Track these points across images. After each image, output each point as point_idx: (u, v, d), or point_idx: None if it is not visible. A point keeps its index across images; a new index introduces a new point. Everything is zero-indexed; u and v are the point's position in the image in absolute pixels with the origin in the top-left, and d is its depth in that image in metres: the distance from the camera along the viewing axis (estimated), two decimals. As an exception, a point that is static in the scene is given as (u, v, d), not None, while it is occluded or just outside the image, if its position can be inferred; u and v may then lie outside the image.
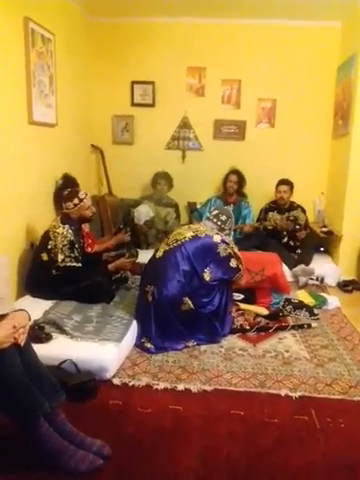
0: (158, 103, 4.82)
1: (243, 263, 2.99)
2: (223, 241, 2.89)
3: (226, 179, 4.59)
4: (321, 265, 4.14)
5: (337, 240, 4.30)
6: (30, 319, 1.82)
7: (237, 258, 2.94)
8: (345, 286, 3.99)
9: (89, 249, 3.42)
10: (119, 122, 4.91)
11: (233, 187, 4.56)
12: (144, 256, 3.52)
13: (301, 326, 3.10)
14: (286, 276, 3.56)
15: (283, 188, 4.35)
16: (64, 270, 2.93)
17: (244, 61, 4.66)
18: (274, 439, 1.93)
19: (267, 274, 3.26)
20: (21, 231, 3.26)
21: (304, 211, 4.43)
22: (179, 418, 2.06)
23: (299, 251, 4.25)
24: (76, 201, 3.04)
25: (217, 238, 2.88)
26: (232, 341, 2.89)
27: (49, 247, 2.94)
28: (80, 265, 3.02)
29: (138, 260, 3.73)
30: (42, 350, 1.98)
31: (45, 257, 2.96)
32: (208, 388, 2.32)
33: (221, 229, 3.03)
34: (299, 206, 4.45)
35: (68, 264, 2.94)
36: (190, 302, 2.76)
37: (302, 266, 4.00)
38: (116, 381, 2.35)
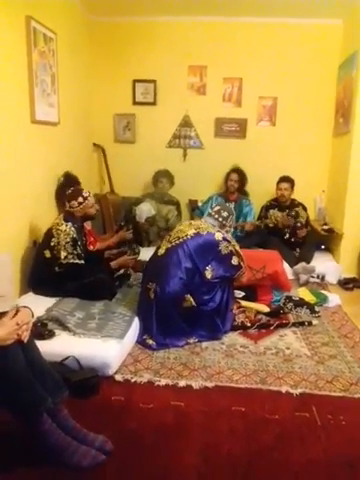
0: (159, 101, 4.83)
1: (244, 261, 3.00)
2: (225, 239, 2.90)
3: (227, 177, 4.60)
4: (322, 263, 4.15)
5: (338, 238, 4.30)
6: (33, 316, 1.83)
7: (238, 256, 2.95)
8: (346, 284, 3.99)
9: (91, 247, 3.44)
10: (121, 121, 4.92)
11: (234, 186, 4.57)
12: (146, 253, 3.53)
13: (302, 323, 3.11)
14: (287, 274, 3.57)
15: (284, 185, 4.36)
16: (67, 267, 2.95)
17: (245, 59, 4.66)
18: (275, 436, 1.94)
19: (268, 272, 3.28)
20: (24, 229, 3.28)
21: (305, 209, 4.44)
22: (180, 414, 2.08)
23: (300, 249, 4.26)
24: (80, 200, 3.06)
25: (219, 236, 2.88)
26: (233, 338, 2.90)
27: (52, 244, 2.95)
28: (83, 262, 3.04)
29: (140, 257, 3.75)
30: (45, 347, 2.00)
31: (48, 254, 2.97)
32: (209, 385, 2.33)
33: (222, 225, 3.03)
34: (300, 204, 4.45)
35: (71, 261, 2.96)
36: (192, 299, 2.78)
37: (303, 264, 4.01)
38: (118, 377, 2.36)
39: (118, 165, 4.87)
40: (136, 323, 2.81)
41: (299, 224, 4.25)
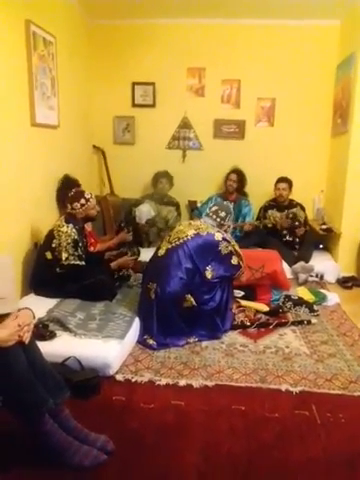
0: (158, 103, 4.85)
1: (244, 260, 3.02)
2: (224, 239, 2.91)
3: (227, 178, 4.63)
4: (321, 262, 4.17)
5: (336, 237, 4.32)
6: (34, 317, 1.85)
7: (238, 255, 2.96)
8: (344, 282, 4.01)
9: (92, 248, 3.46)
10: (120, 123, 4.94)
11: (233, 186, 4.59)
12: (146, 254, 3.56)
13: (301, 322, 3.12)
14: (286, 273, 3.58)
15: (282, 185, 4.38)
16: (68, 268, 2.96)
17: (243, 61, 4.68)
18: (275, 434, 1.95)
19: (267, 271, 3.30)
20: (25, 231, 3.30)
21: (303, 209, 4.46)
22: (181, 413, 2.09)
23: (299, 248, 4.28)
24: (83, 201, 3.08)
25: (218, 236, 2.90)
26: (233, 337, 2.91)
27: (53, 246, 2.97)
28: (83, 263, 3.05)
29: (140, 258, 3.77)
30: (46, 347, 2.01)
31: (49, 255, 2.99)
32: (209, 384, 2.34)
33: (220, 225, 3.04)
34: (298, 204, 4.47)
35: (72, 262, 2.97)
36: (192, 299, 2.79)
37: (302, 263, 4.03)
38: (119, 377, 2.38)
39: (118, 167, 4.89)
40: (136, 323, 2.82)
41: (297, 223, 4.27)
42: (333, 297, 3.60)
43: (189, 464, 1.77)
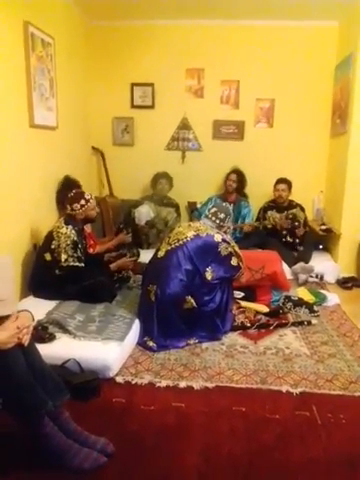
0: (158, 105, 4.85)
1: (243, 261, 3.01)
2: (224, 240, 2.91)
3: (226, 178, 4.64)
4: (320, 262, 4.17)
5: (336, 238, 4.32)
6: (33, 319, 1.84)
7: (238, 256, 2.96)
8: (344, 283, 4.01)
9: (91, 250, 3.45)
10: (119, 124, 4.94)
11: (232, 186, 4.59)
12: (145, 256, 3.55)
13: (301, 323, 3.12)
14: (286, 274, 3.58)
15: (281, 187, 4.38)
16: (67, 270, 2.96)
17: (242, 62, 4.68)
18: (275, 435, 1.95)
19: (267, 272, 3.29)
20: (24, 233, 3.30)
21: (303, 209, 4.45)
22: (181, 415, 2.09)
23: (299, 248, 4.28)
24: (83, 202, 3.07)
25: (218, 237, 2.89)
26: (233, 338, 2.91)
27: (52, 247, 2.97)
28: (83, 265, 3.05)
29: (139, 260, 3.76)
30: (46, 350, 2.01)
31: (48, 257, 2.99)
32: (210, 385, 2.34)
33: (220, 227, 3.04)
34: (298, 205, 4.47)
35: (71, 264, 2.97)
36: (192, 301, 2.79)
37: (302, 264, 4.03)
38: (119, 379, 2.37)
39: (117, 168, 4.88)
40: (136, 325, 2.82)
41: (297, 223, 4.27)
42: (333, 298, 3.60)
43: (190, 466, 1.76)
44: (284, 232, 4.33)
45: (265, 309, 3.25)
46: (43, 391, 1.70)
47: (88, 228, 3.62)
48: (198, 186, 4.90)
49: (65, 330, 2.56)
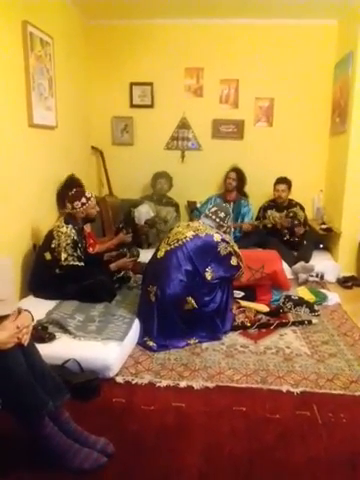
0: (157, 104, 4.84)
1: (243, 261, 3.01)
2: (223, 240, 2.91)
3: (226, 176, 4.63)
4: (321, 262, 4.17)
5: (336, 237, 4.32)
6: (33, 319, 1.84)
7: (237, 256, 2.96)
8: (345, 282, 4.01)
9: (91, 249, 3.45)
10: (118, 123, 4.93)
11: (232, 184, 4.58)
12: (145, 255, 3.54)
13: (301, 322, 3.12)
14: (286, 273, 3.58)
15: (281, 187, 4.38)
16: (67, 269, 2.96)
17: (241, 61, 4.68)
18: (276, 435, 1.95)
19: (267, 271, 3.29)
20: (24, 233, 3.29)
21: (303, 209, 4.45)
22: (182, 415, 2.08)
23: (298, 248, 4.27)
24: (83, 200, 3.07)
25: (217, 237, 2.89)
26: (233, 338, 2.91)
27: (52, 246, 2.97)
28: (83, 264, 3.04)
29: (139, 259, 3.76)
30: (46, 350, 2.01)
31: (48, 256, 2.98)
32: (210, 385, 2.34)
33: (219, 226, 3.04)
34: (298, 204, 4.47)
35: (71, 263, 2.97)
36: (193, 301, 2.78)
37: (302, 263, 4.02)
38: (119, 379, 2.37)
39: (116, 168, 4.88)
40: (136, 325, 2.81)
41: (297, 222, 4.26)
42: (333, 297, 3.59)
43: (190, 466, 1.76)
44: (284, 231, 4.32)
45: (265, 309, 3.25)
46: (43, 391, 1.70)
47: (88, 227, 3.62)
48: (197, 185, 4.90)
49: (65, 330, 2.55)
